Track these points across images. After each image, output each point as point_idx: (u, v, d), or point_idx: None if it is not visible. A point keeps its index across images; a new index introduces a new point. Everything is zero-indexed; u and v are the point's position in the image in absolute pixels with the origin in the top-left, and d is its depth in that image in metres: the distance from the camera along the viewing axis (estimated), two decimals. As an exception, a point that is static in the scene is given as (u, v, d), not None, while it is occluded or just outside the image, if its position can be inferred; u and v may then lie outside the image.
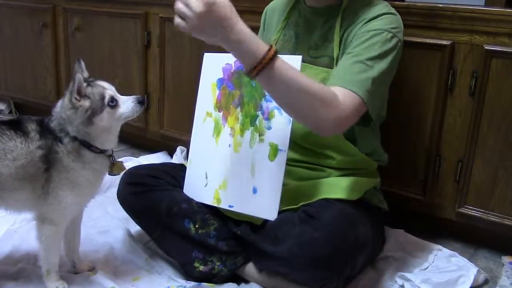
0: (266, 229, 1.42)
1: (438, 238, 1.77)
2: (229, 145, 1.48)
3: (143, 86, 2.47)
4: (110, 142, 1.38)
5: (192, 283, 1.47)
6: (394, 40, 1.37)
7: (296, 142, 1.46)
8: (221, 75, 1.52)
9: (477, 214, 1.70)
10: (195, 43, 2.24)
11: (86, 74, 1.41)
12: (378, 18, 1.38)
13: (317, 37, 1.50)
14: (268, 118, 1.41)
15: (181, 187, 1.58)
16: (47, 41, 2.81)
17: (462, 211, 1.73)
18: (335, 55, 1.43)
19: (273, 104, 1.40)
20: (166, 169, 1.66)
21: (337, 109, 1.24)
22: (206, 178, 1.52)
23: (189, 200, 1.54)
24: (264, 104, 1.43)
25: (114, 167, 1.40)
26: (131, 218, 1.64)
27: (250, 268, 1.48)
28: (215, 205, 1.50)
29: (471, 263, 1.60)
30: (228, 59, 1.50)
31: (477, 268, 1.55)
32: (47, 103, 2.93)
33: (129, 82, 2.53)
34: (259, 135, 1.43)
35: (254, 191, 1.42)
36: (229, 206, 1.47)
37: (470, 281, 1.50)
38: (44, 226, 1.36)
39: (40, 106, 2.99)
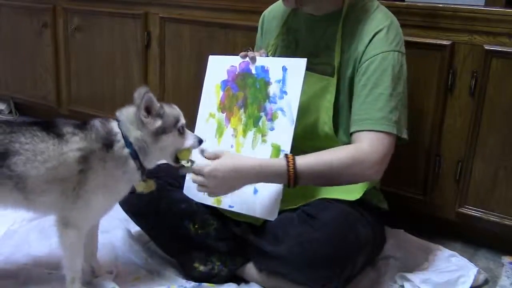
0: (266, 229, 1.42)
1: (438, 238, 1.77)
2: (231, 146, 1.49)
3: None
4: (154, 163, 1.39)
5: (192, 283, 1.47)
6: (400, 56, 1.39)
7: (295, 144, 1.46)
8: (225, 77, 1.53)
9: (477, 214, 1.70)
10: (195, 43, 2.24)
11: None
12: (380, 35, 1.38)
13: (318, 44, 1.49)
14: (272, 119, 1.42)
15: (181, 187, 1.58)
16: (47, 41, 2.81)
17: (462, 211, 1.73)
18: (336, 64, 1.43)
19: (276, 105, 1.42)
20: (166, 170, 1.65)
21: (367, 159, 1.32)
22: (207, 178, 1.52)
23: (188, 201, 1.53)
24: (268, 105, 1.44)
25: (144, 185, 1.41)
26: (131, 219, 1.64)
27: (250, 268, 1.49)
28: (215, 205, 1.50)
29: (471, 263, 1.60)
30: (233, 62, 1.52)
31: (477, 268, 1.55)
32: (47, 103, 2.93)
33: (129, 82, 2.53)
34: (262, 136, 1.43)
35: (255, 191, 1.42)
36: (229, 207, 1.47)
37: (470, 281, 1.50)
38: (67, 230, 1.34)
39: (40, 106, 2.99)
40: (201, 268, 1.48)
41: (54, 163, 1.27)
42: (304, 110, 1.41)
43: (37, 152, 1.26)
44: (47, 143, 1.27)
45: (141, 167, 1.35)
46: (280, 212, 1.38)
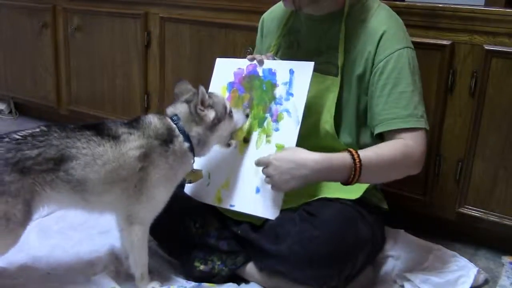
0: (266, 228, 1.42)
1: (438, 238, 1.77)
2: (235, 146, 1.49)
3: (143, 86, 2.47)
4: (207, 152, 1.43)
5: (192, 283, 1.47)
6: (413, 51, 1.42)
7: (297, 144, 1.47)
8: (232, 79, 1.55)
9: (477, 214, 1.70)
10: (195, 43, 2.24)
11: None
12: (389, 33, 1.39)
13: (320, 44, 1.50)
14: (277, 120, 1.44)
15: (183, 186, 1.58)
16: (47, 41, 2.81)
17: (462, 211, 1.73)
18: (339, 64, 1.44)
19: (282, 106, 1.43)
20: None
21: (414, 154, 1.36)
22: (209, 178, 1.53)
23: (189, 200, 1.54)
24: (273, 106, 1.45)
25: (194, 175, 1.46)
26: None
27: (251, 268, 1.49)
28: (216, 204, 1.50)
29: (471, 263, 1.60)
30: (240, 64, 1.54)
31: (477, 268, 1.55)
32: (47, 103, 2.93)
33: (129, 82, 2.53)
34: (266, 137, 1.45)
35: (257, 190, 1.42)
36: (230, 206, 1.47)
37: (470, 281, 1.50)
38: (134, 227, 1.37)
39: (40, 106, 2.99)
40: (202, 267, 1.48)
41: (114, 164, 1.29)
42: (306, 109, 1.42)
43: (96, 155, 1.28)
44: (105, 146, 1.29)
45: (193, 157, 1.40)
46: (280, 211, 1.39)
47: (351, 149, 1.31)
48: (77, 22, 2.67)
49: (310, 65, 1.40)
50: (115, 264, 1.57)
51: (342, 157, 1.29)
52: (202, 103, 1.35)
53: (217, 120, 1.38)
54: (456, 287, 1.49)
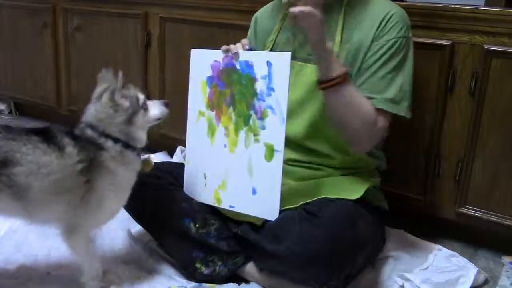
0: (267, 228, 1.42)
1: (438, 238, 1.77)
2: (225, 145, 1.47)
3: (143, 86, 2.47)
4: (144, 140, 1.40)
5: (193, 284, 1.47)
6: (406, 41, 1.42)
7: (297, 142, 1.46)
8: (210, 73, 1.49)
9: (477, 214, 1.70)
10: (195, 43, 2.24)
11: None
12: (386, 21, 1.40)
13: None
14: (262, 117, 1.38)
15: (182, 186, 1.59)
16: (47, 41, 2.81)
17: (462, 211, 1.73)
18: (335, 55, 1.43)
19: (265, 103, 1.37)
20: (167, 168, 1.66)
21: (375, 129, 1.39)
22: (205, 178, 1.52)
23: (189, 200, 1.54)
24: (257, 103, 1.39)
25: (144, 165, 1.43)
26: (132, 217, 1.64)
27: (250, 268, 1.49)
28: (216, 205, 1.50)
29: (471, 263, 1.59)
30: (216, 56, 1.46)
31: (477, 268, 1.55)
32: (47, 103, 2.93)
33: (129, 82, 2.52)
34: (254, 135, 1.40)
35: (253, 191, 1.41)
36: (230, 206, 1.47)
37: (470, 281, 1.50)
38: (75, 236, 1.33)
39: (40, 106, 2.99)
40: (203, 269, 1.48)
41: (58, 176, 1.25)
42: (304, 103, 1.41)
43: (41, 164, 1.24)
44: (50, 156, 1.25)
45: (138, 150, 1.37)
46: (280, 212, 1.38)
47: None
48: (77, 22, 2.67)
49: (287, 56, 1.32)
50: (115, 264, 1.57)
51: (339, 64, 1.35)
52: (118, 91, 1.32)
53: (132, 113, 1.33)
54: (456, 287, 1.49)
